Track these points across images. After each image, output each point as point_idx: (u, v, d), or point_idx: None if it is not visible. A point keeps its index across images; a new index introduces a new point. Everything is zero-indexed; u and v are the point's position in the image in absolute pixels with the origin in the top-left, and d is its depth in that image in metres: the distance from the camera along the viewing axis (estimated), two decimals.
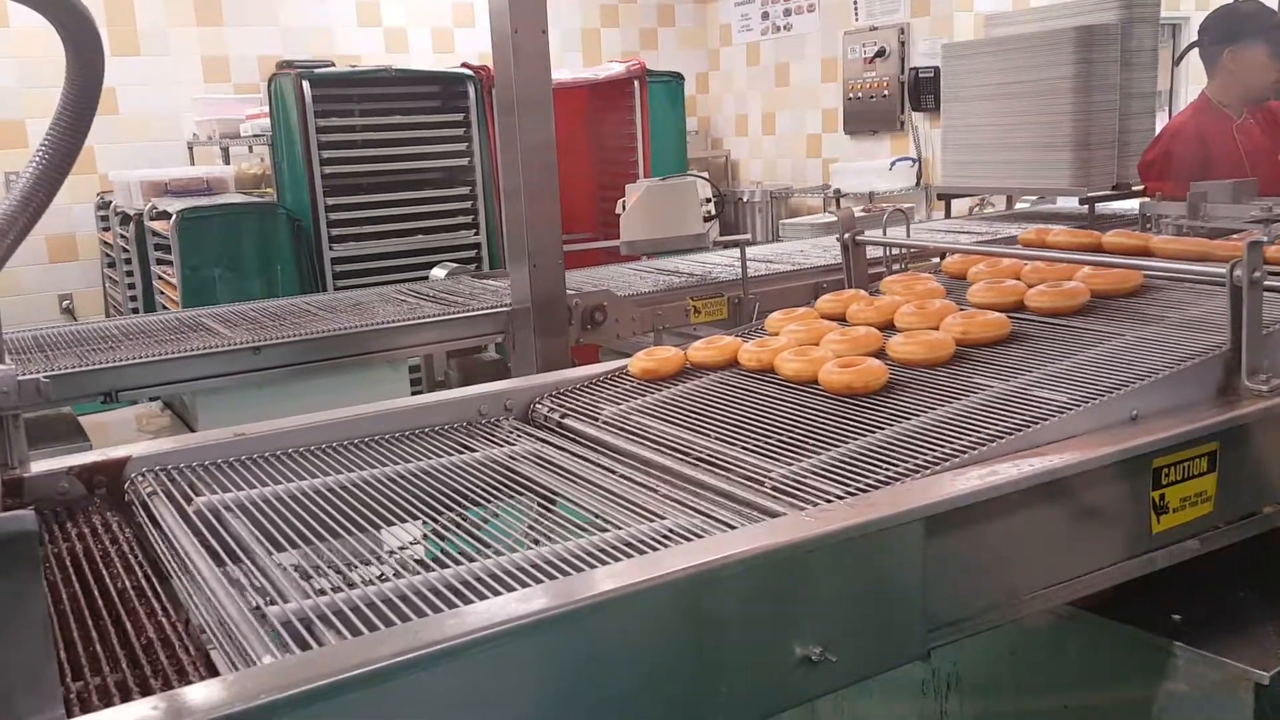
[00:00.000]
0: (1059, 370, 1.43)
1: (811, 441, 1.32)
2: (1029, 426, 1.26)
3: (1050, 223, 3.56)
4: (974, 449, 1.22)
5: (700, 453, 1.34)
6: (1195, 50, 3.57)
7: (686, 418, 1.48)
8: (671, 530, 1.13)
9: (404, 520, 1.27)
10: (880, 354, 1.58)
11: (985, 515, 1.13)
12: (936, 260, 2.18)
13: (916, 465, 1.20)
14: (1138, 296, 1.71)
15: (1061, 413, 1.28)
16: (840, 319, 1.80)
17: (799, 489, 1.19)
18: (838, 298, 1.88)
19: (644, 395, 1.61)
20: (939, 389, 1.44)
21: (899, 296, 1.82)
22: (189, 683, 0.87)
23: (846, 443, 1.30)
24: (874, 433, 1.31)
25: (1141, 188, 3.63)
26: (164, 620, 1.00)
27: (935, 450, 1.23)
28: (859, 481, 1.18)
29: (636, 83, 5.64)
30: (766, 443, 1.34)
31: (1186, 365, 1.37)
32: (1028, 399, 1.34)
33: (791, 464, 1.25)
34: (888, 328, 1.70)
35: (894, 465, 1.21)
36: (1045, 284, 1.73)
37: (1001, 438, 1.24)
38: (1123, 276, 1.72)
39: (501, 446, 1.47)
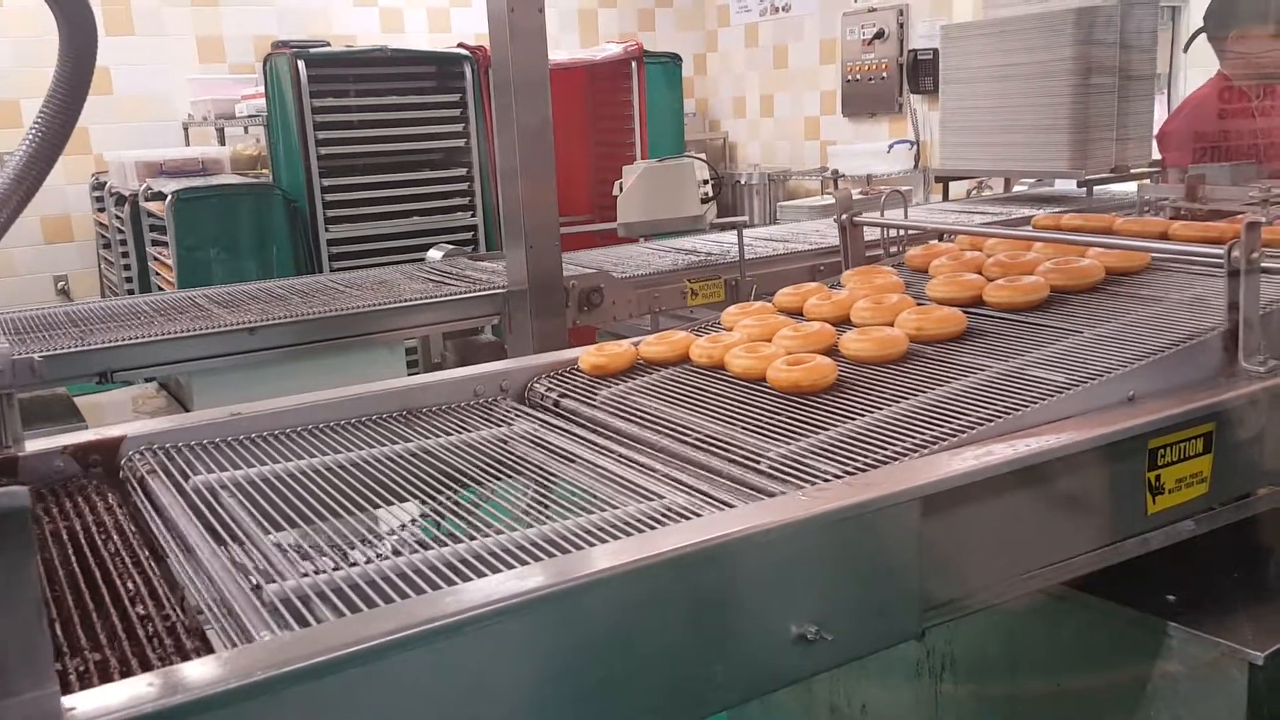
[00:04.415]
0: (1054, 353, 1.43)
1: (809, 423, 1.32)
2: (1025, 407, 1.26)
3: (1048, 206, 3.56)
4: (970, 430, 1.22)
5: (698, 432, 1.34)
6: (1203, 35, 3.56)
7: (684, 398, 1.48)
8: (668, 509, 1.13)
9: (401, 500, 1.27)
10: (833, 350, 1.55)
11: (981, 495, 1.13)
12: (936, 242, 2.17)
13: (913, 445, 1.20)
14: (1098, 291, 1.67)
15: (1058, 394, 1.28)
16: (798, 313, 1.77)
17: (796, 468, 1.19)
18: (796, 291, 1.84)
19: (641, 376, 1.61)
20: (898, 384, 1.40)
21: (857, 290, 1.77)
22: (185, 659, 0.87)
23: (844, 424, 1.30)
24: (870, 414, 1.31)
25: (1140, 169, 3.62)
26: (161, 598, 1.00)
27: (932, 431, 1.23)
28: (856, 461, 1.18)
29: (634, 64, 5.62)
30: (764, 424, 1.34)
31: (1183, 346, 1.37)
32: (1024, 380, 1.34)
33: (789, 444, 1.25)
34: (844, 323, 1.67)
35: (891, 445, 1.21)
36: (1004, 279, 1.69)
37: (998, 418, 1.24)
38: (1082, 271, 1.68)
39: (498, 427, 1.47)
